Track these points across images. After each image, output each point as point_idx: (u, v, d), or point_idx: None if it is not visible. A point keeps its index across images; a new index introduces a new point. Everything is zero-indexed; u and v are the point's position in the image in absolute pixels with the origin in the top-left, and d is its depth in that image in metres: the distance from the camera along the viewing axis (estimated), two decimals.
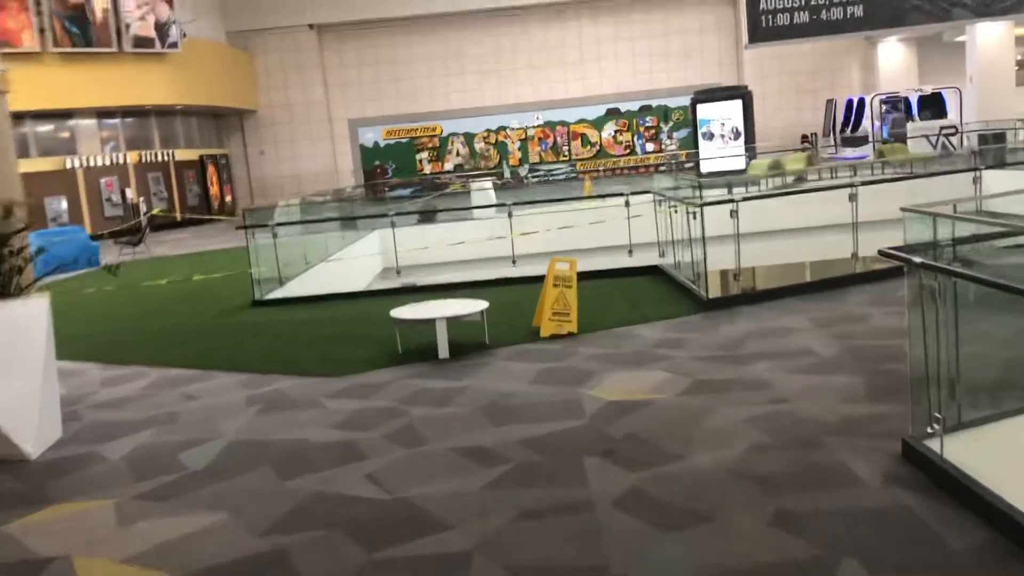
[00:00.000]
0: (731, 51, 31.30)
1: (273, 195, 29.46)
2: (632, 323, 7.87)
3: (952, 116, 25.14)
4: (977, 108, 24.26)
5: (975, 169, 8.93)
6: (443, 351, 7.10)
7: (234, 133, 31.83)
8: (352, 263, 13.44)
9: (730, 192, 19.32)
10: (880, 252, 4.28)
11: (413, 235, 18.25)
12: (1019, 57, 26.48)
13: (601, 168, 31.22)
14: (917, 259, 3.88)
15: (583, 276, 9.78)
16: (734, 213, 8.03)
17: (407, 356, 7.26)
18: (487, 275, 10.92)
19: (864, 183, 8.78)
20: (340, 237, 15.35)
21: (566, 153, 31.93)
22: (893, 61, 29.52)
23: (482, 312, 7.33)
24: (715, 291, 8.35)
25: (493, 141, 31.95)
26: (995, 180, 9.63)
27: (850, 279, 8.61)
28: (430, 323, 7.12)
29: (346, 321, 9.16)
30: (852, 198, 8.62)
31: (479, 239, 14.45)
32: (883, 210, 9.87)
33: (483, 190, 20.81)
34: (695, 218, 8.16)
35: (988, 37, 24.01)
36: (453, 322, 7.36)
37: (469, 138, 31.90)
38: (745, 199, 8.00)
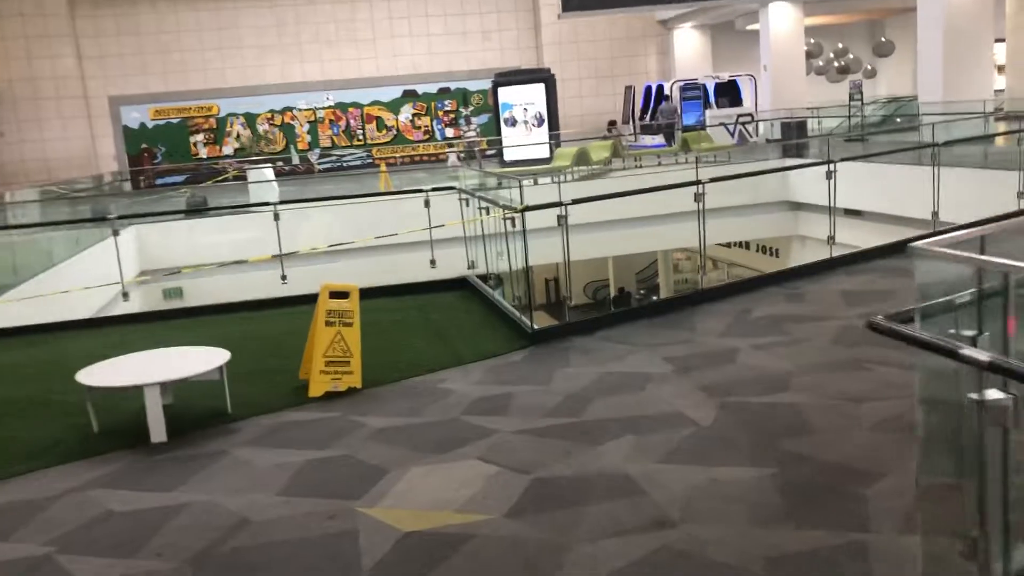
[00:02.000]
0: (530, 34, 29.86)
1: (16, 184, 25.04)
2: (438, 367, 5.82)
3: (747, 103, 24.89)
4: (771, 95, 24.07)
5: (829, 161, 7.59)
6: (157, 433, 4.74)
7: None
8: (84, 273, 10.51)
9: (536, 183, 17.77)
10: (871, 325, 2.47)
11: (174, 233, 15.40)
12: (805, 48, 26.62)
13: (399, 156, 28.91)
14: (983, 357, 2.05)
15: (374, 293, 7.65)
16: (562, 219, 6.16)
17: (105, 439, 4.84)
18: (252, 293, 8.56)
19: (712, 180, 7.19)
20: (74, 239, 12.28)
21: (360, 137, 29.35)
22: (688, 48, 29.15)
23: (221, 369, 5.03)
24: (541, 317, 6.46)
25: (279, 123, 28.85)
26: (848, 173, 8.44)
27: (698, 296, 6.99)
28: (138, 391, 4.74)
29: (39, 372, 6.50)
30: (698, 198, 7.01)
31: (249, 240, 11.94)
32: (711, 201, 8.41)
33: (263, 180, 18.05)
34: (514, 226, 6.23)
35: (780, 26, 23.83)
36: (179, 384, 5.02)
37: (251, 119, 28.60)
38: (576, 201, 6.14)
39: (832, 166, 7.50)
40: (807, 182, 16.83)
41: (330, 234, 9.80)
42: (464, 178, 14.20)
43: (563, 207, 6.08)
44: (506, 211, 6.23)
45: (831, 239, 7.78)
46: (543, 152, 20.24)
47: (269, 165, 19.40)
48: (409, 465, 4.20)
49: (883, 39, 26.80)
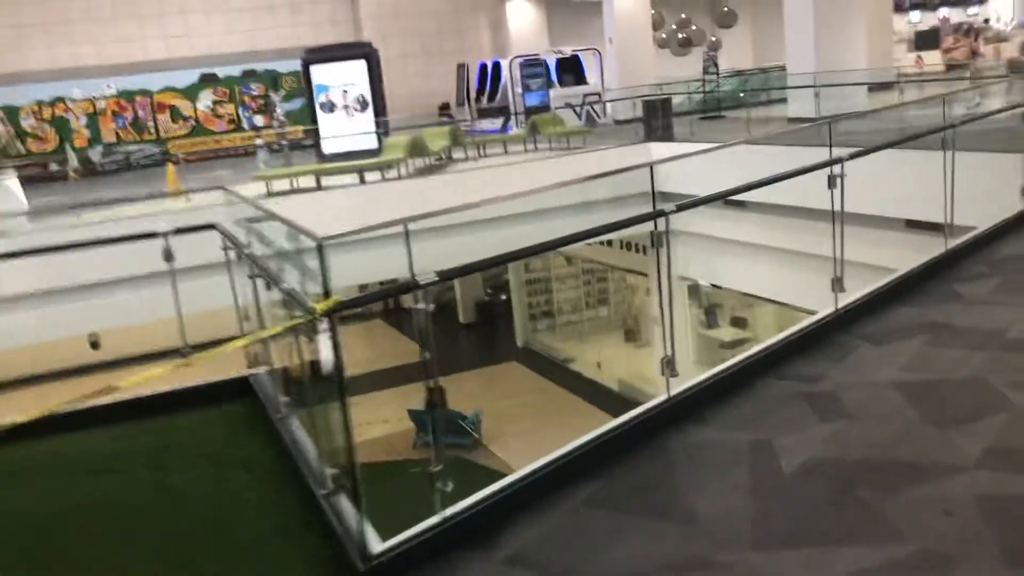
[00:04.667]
0: (346, 7, 25.95)
1: None
2: None
3: (593, 81, 22.20)
4: (618, 71, 21.47)
5: (833, 162, 4.55)
6: None
7: None
8: None
9: (364, 181, 14.15)
10: None
11: None
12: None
13: (190, 152, 24.15)
14: None
15: (60, 424, 4.05)
16: (420, 314, 2.78)
17: None
18: None
19: (676, 210, 4.00)
20: None
21: (152, 130, 24.56)
22: (523, 21, 26.16)
23: None
24: (390, 518, 3.05)
25: (49, 116, 23.60)
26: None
27: (661, 416, 3.80)
28: None
29: None
30: (657, 239, 3.83)
31: None
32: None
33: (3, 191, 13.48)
34: (313, 334, 2.79)
35: None
36: None
37: (12, 113, 23.25)
38: (445, 277, 2.76)
39: (840, 167, 4.53)
40: (675, 169, 14.23)
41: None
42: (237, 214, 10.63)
43: (420, 292, 2.71)
44: (295, 315, 2.79)
45: (837, 282, 4.80)
46: (370, 142, 16.62)
47: (13, 172, 14.72)
48: None
49: (725, 9, 24.79)
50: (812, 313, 4.73)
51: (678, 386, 3.95)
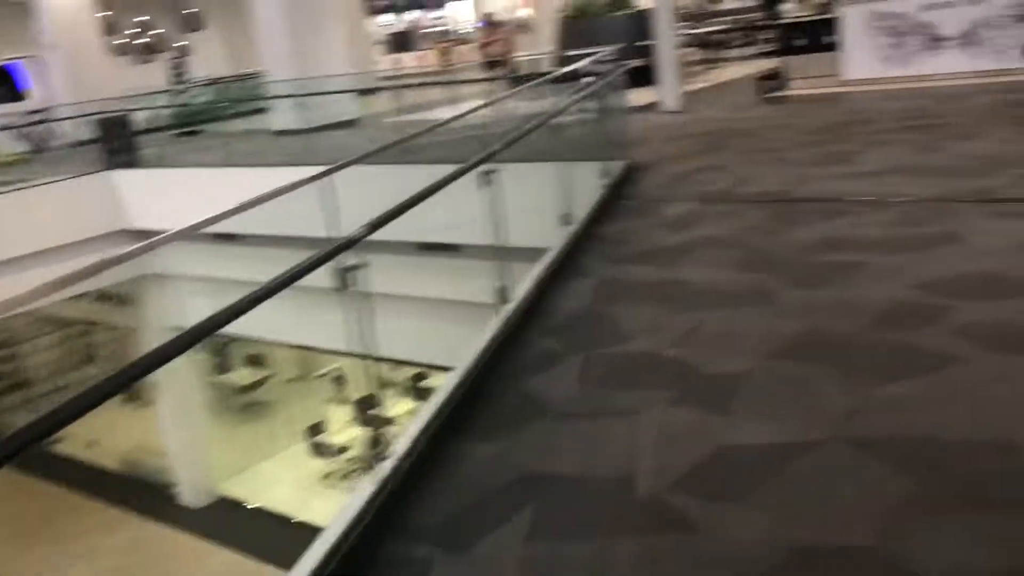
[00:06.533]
0: None
1: None
2: None
3: (38, 96, 17.94)
4: (69, 84, 17.52)
5: (348, 246, 2.61)
6: None
7: None
8: None
9: None
10: None
11: None
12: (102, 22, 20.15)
13: None
14: None
15: None
16: None
17: None
18: None
19: None
20: None
21: None
22: None
23: None
24: None
25: None
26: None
27: None
28: None
29: None
30: None
31: None
32: None
33: None
34: None
35: None
36: None
37: None
38: None
39: (355, 260, 2.52)
40: (150, 201, 11.58)
41: None
42: None
43: None
44: None
45: (376, 458, 2.87)
46: None
47: None
48: None
49: (188, 11, 21.91)
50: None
51: None
